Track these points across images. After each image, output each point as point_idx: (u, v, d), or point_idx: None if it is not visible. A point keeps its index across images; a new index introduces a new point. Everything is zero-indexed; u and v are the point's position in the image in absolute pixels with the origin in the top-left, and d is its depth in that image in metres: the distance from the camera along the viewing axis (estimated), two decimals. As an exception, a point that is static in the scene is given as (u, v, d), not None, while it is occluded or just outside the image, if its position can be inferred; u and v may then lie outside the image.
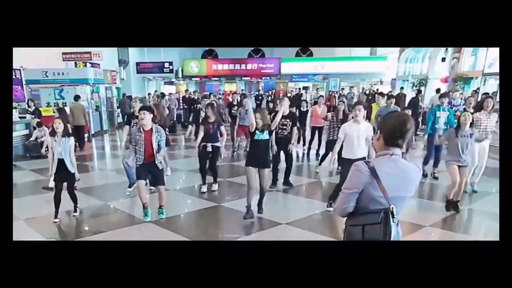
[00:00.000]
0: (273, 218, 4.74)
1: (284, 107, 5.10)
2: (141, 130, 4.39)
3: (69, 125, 5.12)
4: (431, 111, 5.98)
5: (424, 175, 6.16)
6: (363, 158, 4.18)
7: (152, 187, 5.46)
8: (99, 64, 13.44)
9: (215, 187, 5.60)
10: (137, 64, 18.77)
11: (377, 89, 15.76)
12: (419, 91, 11.48)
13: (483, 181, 5.76)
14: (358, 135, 4.12)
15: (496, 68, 9.89)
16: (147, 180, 4.80)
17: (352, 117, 4.31)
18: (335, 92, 17.31)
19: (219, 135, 5.52)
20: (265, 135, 4.22)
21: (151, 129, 4.41)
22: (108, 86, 13.74)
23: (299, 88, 20.58)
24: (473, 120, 4.66)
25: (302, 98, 15.93)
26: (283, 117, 5.20)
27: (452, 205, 4.82)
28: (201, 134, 5.32)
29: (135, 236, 4.27)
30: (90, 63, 13.38)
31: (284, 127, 5.27)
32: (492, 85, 10.93)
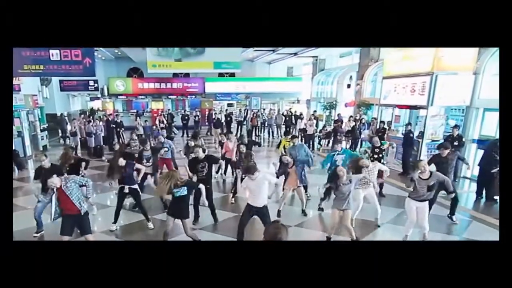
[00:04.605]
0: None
1: (199, 153, 5.44)
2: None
3: None
4: (330, 155, 6.44)
5: (321, 209, 6.27)
6: (265, 206, 4.45)
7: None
8: (19, 85, 12.78)
9: (150, 225, 5.45)
10: (60, 81, 18.15)
11: (295, 111, 17.47)
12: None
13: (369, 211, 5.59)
14: (256, 188, 4.49)
15: (390, 100, 10.04)
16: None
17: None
18: (257, 111, 18.59)
19: (136, 174, 5.48)
20: (183, 191, 4.34)
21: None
22: (30, 110, 12.62)
23: (226, 109, 21.40)
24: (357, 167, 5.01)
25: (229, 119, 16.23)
26: (199, 161, 5.45)
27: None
28: (116, 177, 5.37)
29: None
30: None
31: (203, 169, 5.51)
32: (389, 114, 11.77)
